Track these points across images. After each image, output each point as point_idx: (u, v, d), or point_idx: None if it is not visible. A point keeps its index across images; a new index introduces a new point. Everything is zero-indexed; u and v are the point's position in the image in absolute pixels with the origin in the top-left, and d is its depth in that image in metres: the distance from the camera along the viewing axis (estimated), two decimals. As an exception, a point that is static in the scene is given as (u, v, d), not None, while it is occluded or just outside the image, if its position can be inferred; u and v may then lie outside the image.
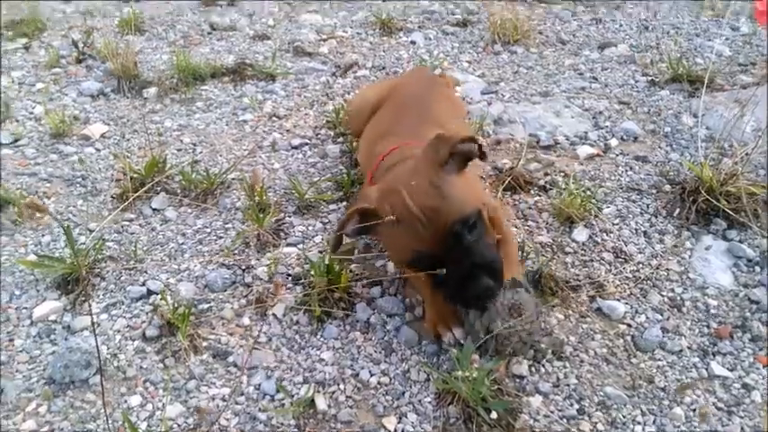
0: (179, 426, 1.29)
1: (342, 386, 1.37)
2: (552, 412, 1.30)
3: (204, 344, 1.49)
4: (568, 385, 1.36)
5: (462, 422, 1.27)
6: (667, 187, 1.97)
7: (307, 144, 2.33)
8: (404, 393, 1.35)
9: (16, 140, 2.42)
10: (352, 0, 3.98)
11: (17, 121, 2.57)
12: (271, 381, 1.38)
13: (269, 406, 1.32)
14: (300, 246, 1.79)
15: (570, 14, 3.65)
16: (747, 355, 1.42)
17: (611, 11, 3.71)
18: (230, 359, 1.45)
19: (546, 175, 2.07)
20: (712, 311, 1.55)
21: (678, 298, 1.59)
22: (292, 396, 1.33)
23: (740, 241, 1.75)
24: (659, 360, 1.42)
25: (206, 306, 1.60)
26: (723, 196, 1.82)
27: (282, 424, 1.29)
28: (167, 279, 1.69)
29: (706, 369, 1.40)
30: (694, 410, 1.30)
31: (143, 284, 1.66)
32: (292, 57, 3.17)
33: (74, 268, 1.65)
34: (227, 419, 1.30)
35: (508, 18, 3.28)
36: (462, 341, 1.37)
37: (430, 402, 1.32)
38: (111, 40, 3.09)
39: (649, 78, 2.73)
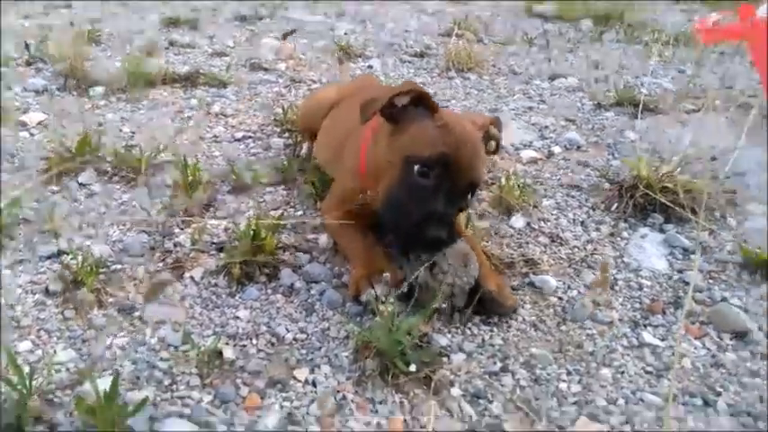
0: (68, 370, 1.17)
1: (254, 341, 1.28)
2: (474, 368, 1.22)
3: (110, 300, 1.38)
4: (493, 345, 1.29)
5: (378, 374, 1.18)
6: (606, 185, 1.98)
7: (251, 137, 2.29)
8: (320, 348, 1.26)
9: (-52, 123, 2.32)
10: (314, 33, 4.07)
11: (-47, 108, 2.48)
12: (177, 334, 1.28)
13: (170, 355, 1.22)
14: (229, 220, 1.72)
15: (524, 53, 3.77)
16: (679, 328, 1.38)
17: (563, 53, 3.85)
18: (136, 314, 1.34)
19: (488, 172, 2.06)
20: (645, 290, 1.51)
21: (611, 278, 1.56)
22: (199, 348, 1.23)
23: (677, 233, 1.74)
24: (589, 329, 1.37)
25: (119, 267, 1.50)
26: (660, 192, 1.83)
27: (183, 372, 1.18)
28: (82, 243, 1.59)
29: (637, 338, 1.35)
30: (622, 373, 1.24)
31: (55, 246, 1.56)
32: (248, 71, 3.18)
33: (-19, 225, 1.55)
34: (123, 366, 1.19)
35: (463, 49, 3.37)
36: (384, 299, 1.30)
37: (347, 356, 1.24)
38: (64, 48, 3.07)
39: (595, 102, 2.79)
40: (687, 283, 1.54)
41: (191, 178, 1.85)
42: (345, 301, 1.40)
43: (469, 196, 1.33)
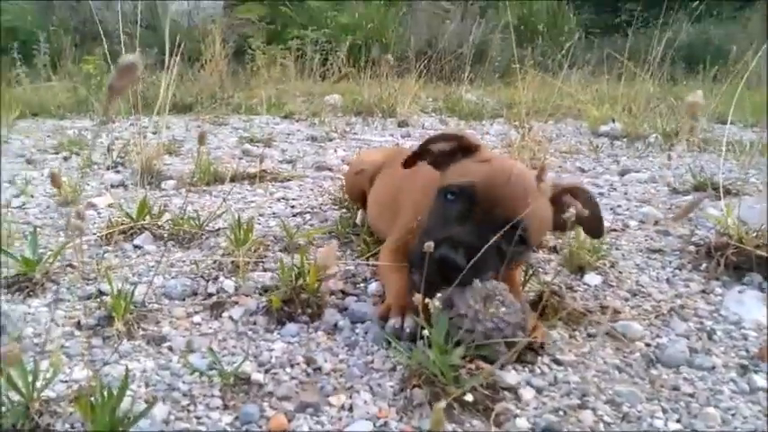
0: (81, 386, 1.05)
1: (288, 369, 1.12)
2: (545, 404, 1.01)
3: (142, 333, 1.28)
4: (568, 383, 1.08)
5: (428, 403, 1.00)
6: (692, 248, 1.78)
7: (309, 212, 2.25)
8: (361, 377, 1.09)
9: (23, 204, 2.43)
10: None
11: (32, 196, 2.61)
12: (205, 360, 1.15)
13: (194, 379, 1.08)
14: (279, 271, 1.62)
15: (591, 159, 3.70)
16: (801, 374, 1.13)
17: (632, 159, 3.75)
18: (165, 344, 1.23)
19: (557, 239, 1.91)
20: (751, 340, 1.27)
21: (708, 328, 1.32)
22: (225, 371, 1.09)
23: (782, 291, 1.50)
24: (685, 374, 1.13)
25: (156, 306, 1.41)
26: (755, 249, 1.61)
27: (205, 395, 1.04)
28: (123, 286, 1.52)
29: (747, 383, 1.10)
30: (734, 414, 0.99)
31: (96, 288, 1.50)
32: (314, 171, 3.23)
33: (29, 265, 1.52)
34: (139, 386, 1.06)
35: (527, 151, 3.34)
36: (409, 330, 1.14)
37: (391, 386, 1.06)
38: (144, 155, 3.25)
39: (671, 188, 2.63)
40: (804, 336, 1.29)
41: (242, 236, 1.80)
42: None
43: (512, 239, 1.14)
